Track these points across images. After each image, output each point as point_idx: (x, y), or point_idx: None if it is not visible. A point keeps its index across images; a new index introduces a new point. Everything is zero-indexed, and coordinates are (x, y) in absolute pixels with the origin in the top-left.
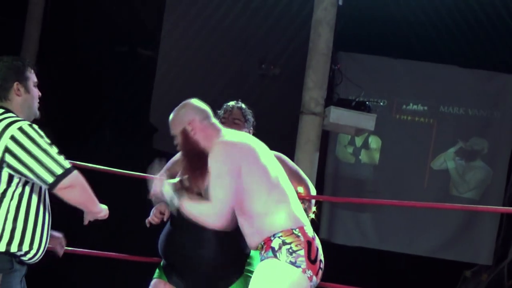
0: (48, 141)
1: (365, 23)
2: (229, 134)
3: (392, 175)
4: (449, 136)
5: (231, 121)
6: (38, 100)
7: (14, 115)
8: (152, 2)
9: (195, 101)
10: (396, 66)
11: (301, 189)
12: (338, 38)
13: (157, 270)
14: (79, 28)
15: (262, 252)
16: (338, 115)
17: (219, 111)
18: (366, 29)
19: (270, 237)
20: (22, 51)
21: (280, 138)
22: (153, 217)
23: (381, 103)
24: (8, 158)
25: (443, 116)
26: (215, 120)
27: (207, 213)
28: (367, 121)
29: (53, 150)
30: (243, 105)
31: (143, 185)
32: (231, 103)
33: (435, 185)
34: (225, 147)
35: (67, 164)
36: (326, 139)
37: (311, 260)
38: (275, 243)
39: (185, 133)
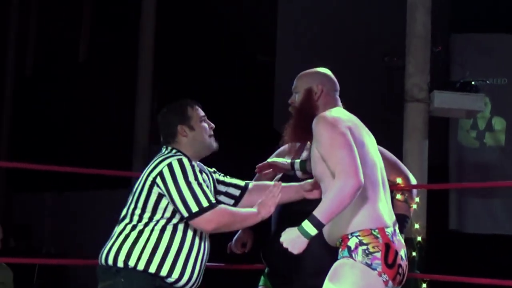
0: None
1: (476, 1)
2: (340, 112)
3: None
4: None
5: None
6: (210, 132)
7: (176, 153)
8: (266, 8)
9: (330, 72)
10: None
11: (399, 180)
12: (450, 20)
13: (262, 278)
14: (194, 37)
15: (339, 250)
16: (443, 99)
17: None
18: (478, 8)
19: (347, 235)
20: (138, 70)
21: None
22: (234, 248)
23: (502, 81)
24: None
25: None
26: (338, 97)
27: (344, 180)
28: (475, 101)
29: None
30: None
31: None
32: None
33: None
34: (332, 121)
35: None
36: (446, 125)
37: (388, 264)
38: (352, 242)
39: (309, 92)
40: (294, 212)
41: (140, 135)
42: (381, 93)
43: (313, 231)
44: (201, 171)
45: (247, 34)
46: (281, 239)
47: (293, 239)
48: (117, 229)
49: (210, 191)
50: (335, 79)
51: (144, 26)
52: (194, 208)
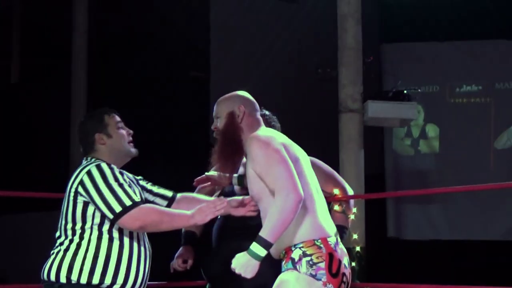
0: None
1: (405, 11)
2: (270, 131)
3: (455, 161)
4: (509, 112)
5: None
6: (129, 139)
7: (95, 161)
8: (198, 21)
9: (248, 94)
10: (443, 49)
11: (336, 191)
12: (380, 31)
13: None
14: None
15: (283, 262)
16: (377, 109)
17: None
18: (407, 17)
19: (291, 246)
20: (72, 92)
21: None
22: (176, 265)
23: (434, 89)
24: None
25: (500, 93)
26: (260, 117)
27: (285, 196)
28: (408, 110)
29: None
30: (267, 112)
31: None
32: None
33: (502, 165)
34: (266, 139)
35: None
36: (381, 134)
37: (332, 273)
38: (295, 254)
39: (232, 116)
40: (235, 227)
41: (76, 157)
42: (316, 105)
43: (262, 252)
44: (121, 173)
45: (181, 51)
46: (233, 265)
47: (244, 264)
48: (56, 246)
49: (134, 192)
50: (254, 100)
51: (76, 46)
52: (118, 208)
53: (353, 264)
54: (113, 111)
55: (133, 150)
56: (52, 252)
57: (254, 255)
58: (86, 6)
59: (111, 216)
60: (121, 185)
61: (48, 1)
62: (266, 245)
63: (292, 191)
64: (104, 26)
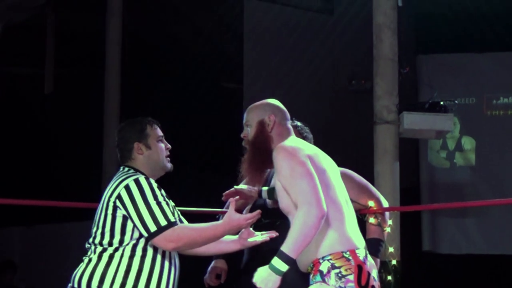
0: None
1: (442, 22)
2: (297, 141)
3: (491, 174)
4: None
5: None
6: (166, 153)
7: (133, 173)
8: (231, 33)
9: (279, 102)
10: (480, 60)
11: (371, 203)
12: (416, 41)
13: None
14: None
15: (311, 275)
16: (412, 120)
17: None
18: (443, 28)
19: (319, 259)
20: (105, 102)
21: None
22: (209, 280)
23: (470, 101)
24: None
25: None
26: (290, 126)
27: (307, 211)
28: (444, 122)
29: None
30: (299, 123)
31: None
32: None
33: None
34: (291, 151)
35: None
36: (416, 147)
37: (361, 286)
38: (324, 267)
39: (261, 125)
40: (265, 250)
41: (109, 167)
42: (350, 117)
43: (283, 267)
44: (158, 188)
45: (214, 61)
46: (254, 280)
47: (265, 278)
48: (88, 254)
49: (170, 208)
50: (285, 109)
51: (109, 56)
52: (153, 228)
53: (389, 277)
54: (155, 122)
55: (169, 165)
56: (84, 259)
57: (275, 270)
58: (120, 16)
59: (146, 234)
60: (159, 203)
61: (82, 11)
62: (288, 260)
63: (314, 206)
64: (138, 36)
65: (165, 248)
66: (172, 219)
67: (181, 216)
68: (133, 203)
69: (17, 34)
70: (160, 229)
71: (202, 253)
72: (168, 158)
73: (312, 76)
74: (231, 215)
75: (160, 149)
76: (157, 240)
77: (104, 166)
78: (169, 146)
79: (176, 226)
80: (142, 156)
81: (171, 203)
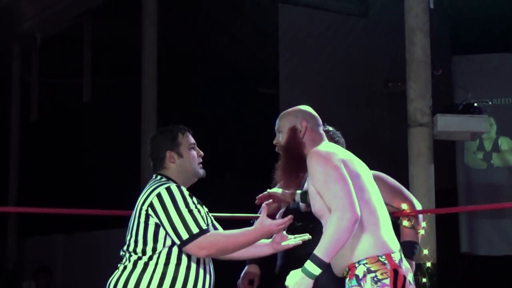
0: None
1: (475, 23)
2: (331, 146)
3: None
4: None
5: None
6: (199, 160)
7: (165, 181)
8: (266, 38)
9: (311, 108)
10: None
11: (405, 206)
12: (450, 43)
13: None
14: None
15: (347, 279)
16: (446, 122)
17: None
18: (477, 29)
19: (354, 263)
20: (142, 109)
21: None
22: (242, 286)
23: (506, 101)
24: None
25: None
26: (323, 132)
27: (341, 215)
28: (479, 123)
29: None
30: (330, 128)
31: None
32: None
33: None
34: (325, 155)
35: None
36: (453, 148)
37: None
38: (360, 271)
39: (293, 131)
40: (300, 256)
41: (146, 174)
42: (384, 119)
43: (316, 270)
44: (190, 196)
45: (250, 67)
46: (286, 283)
47: (298, 282)
48: (123, 262)
49: (202, 216)
50: (317, 115)
51: (146, 64)
52: (185, 236)
53: (424, 280)
54: (187, 130)
55: (201, 172)
56: (119, 267)
57: (308, 274)
58: (156, 25)
59: (178, 242)
60: (190, 211)
61: (118, 21)
62: (321, 264)
63: (348, 210)
64: (173, 44)
65: (197, 255)
66: (204, 227)
67: (214, 222)
68: (165, 211)
69: (56, 45)
70: (192, 237)
71: (235, 257)
72: (201, 165)
73: (347, 79)
74: (263, 221)
75: (192, 156)
76: (190, 248)
77: (141, 173)
78: (201, 153)
79: (208, 233)
80: (174, 165)
81: (204, 209)
